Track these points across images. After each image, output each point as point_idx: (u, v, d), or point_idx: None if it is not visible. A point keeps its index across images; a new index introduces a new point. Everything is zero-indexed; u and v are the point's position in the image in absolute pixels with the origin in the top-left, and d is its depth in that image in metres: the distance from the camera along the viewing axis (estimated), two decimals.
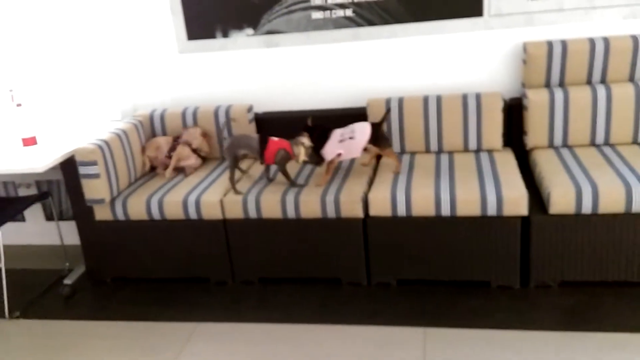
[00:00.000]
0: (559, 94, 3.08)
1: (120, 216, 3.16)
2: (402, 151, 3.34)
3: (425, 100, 3.24)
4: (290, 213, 2.96)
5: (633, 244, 2.68)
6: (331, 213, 2.91)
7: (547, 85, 3.18)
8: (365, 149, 3.03)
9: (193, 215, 3.07)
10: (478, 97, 3.18)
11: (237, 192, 3.05)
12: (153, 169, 3.49)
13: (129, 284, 3.31)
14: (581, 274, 2.78)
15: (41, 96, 3.82)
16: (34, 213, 3.92)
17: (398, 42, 3.40)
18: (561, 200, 2.68)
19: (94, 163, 3.03)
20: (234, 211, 3.03)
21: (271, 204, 2.96)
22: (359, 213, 2.90)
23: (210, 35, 3.57)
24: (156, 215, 3.11)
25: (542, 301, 2.77)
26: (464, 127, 3.21)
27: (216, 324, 2.88)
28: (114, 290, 3.28)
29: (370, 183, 3.06)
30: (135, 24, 3.62)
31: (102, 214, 3.19)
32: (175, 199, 3.07)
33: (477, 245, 2.83)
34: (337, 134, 3.03)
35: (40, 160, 3.04)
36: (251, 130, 3.49)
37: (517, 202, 2.72)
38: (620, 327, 2.55)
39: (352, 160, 3.33)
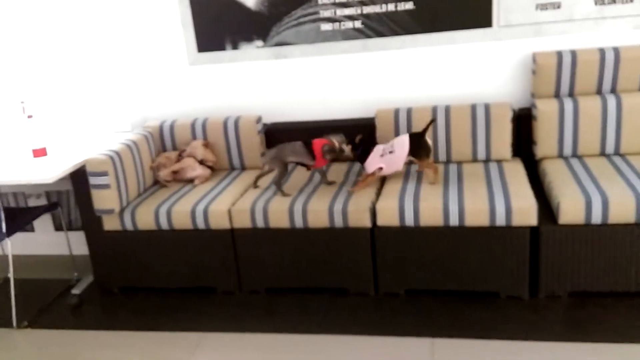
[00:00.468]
0: (568, 104, 3.07)
1: (129, 226, 3.17)
2: (411, 161, 3.32)
3: (434, 110, 3.24)
4: (298, 223, 2.95)
5: None
6: (339, 223, 2.90)
7: (557, 95, 3.17)
8: (411, 161, 3.07)
9: (201, 225, 3.08)
10: (487, 107, 3.17)
11: (284, 194, 3.08)
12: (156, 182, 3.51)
13: (136, 294, 3.31)
14: (591, 284, 2.74)
15: (52, 108, 3.86)
16: (43, 223, 3.94)
17: (407, 52, 3.41)
18: (571, 211, 2.66)
19: (104, 174, 3.05)
20: (242, 221, 3.03)
21: (279, 213, 2.96)
22: (367, 223, 2.88)
23: (220, 47, 3.60)
24: (164, 225, 3.12)
25: (551, 312, 2.73)
26: (472, 137, 3.20)
27: (223, 333, 2.87)
28: (121, 300, 3.29)
29: (378, 193, 3.05)
30: (147, 37, 3.66)
31: (110, 224, 3.20)
32: (184, 209, 3.08)
33: (485, 255, 2.80)
34: (379, 148, 3.06)
35: (50, 171, 3.06)
36: (260, 141, 3.50)
37: (526, 212, 2.69)
38: (630, 338, 2.50)
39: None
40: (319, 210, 2.91)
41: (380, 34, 3.39)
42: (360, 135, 3.12)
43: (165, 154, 3.49)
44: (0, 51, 3.78)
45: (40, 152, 3.36)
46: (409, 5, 3.31)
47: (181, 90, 3.74)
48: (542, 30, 3.22)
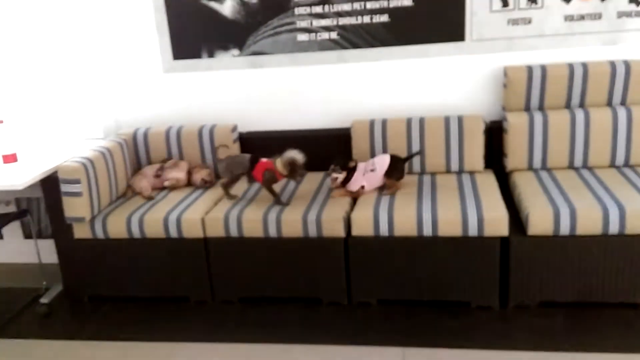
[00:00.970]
0: (538, 118, 3.13)
1: (100, 234, 3.14)
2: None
3: (409, 122, 3.27)
4: (272, 232, 2.95)
5: (610, 265, 2.71)
6: (313, 232, 2.91)
7: (527, 108, 3.24)
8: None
9: (174, 233, 3.06)
10: (460, 119, 3.22)
11: (230, 197, 3.13)
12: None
13: (106, 303, 3.27)
14: (559, 294, 2.80)
15: (23, 113, 3.80)
16: (12, 231, 3.87)
17: (382, 64, 3.45)
18: (540, 222, 2.71)
19: (77, 181, 3.01)
20: (215, 230, 3.02)
21: (253, 222, 2.96)
22: (341, 233, 2.90)
23: (196, 55, 3.60)
24: (136, 233, 3.09)
25: (521, 321, 2.78)
26: (446, 149, 3.24)
27: (196, 343, 2.85)
28: (91, 309, 3.24)
29: (353, 203, 3.07)
30: (121, 43, 3.64)
31: (81, 232, 3.16)
32: (156, 217, 3.06)
33: (457, 265, 2.84)
34: (361, 167, 3.11)
35: (20, 177, 3.02)
36: (235, 150, 3.49)
37: (497, 223, 2.74)
38: (598, 347, 2.56)
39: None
40: (292, 220, 2.92)
41: (356, 46, 3.42)
42: (355, 161, 3.14)
43: (139, 174, 3.47)
44: None
45: (10, 158, 3.31)
46: (384, 18, 3.35)
47: (156, 98, 3.72)
48: (513, 44, 3.29)
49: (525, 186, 2.98)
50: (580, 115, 3.10)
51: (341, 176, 3.08)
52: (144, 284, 3.19)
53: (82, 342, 2.95)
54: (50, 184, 3.14)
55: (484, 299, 2.87)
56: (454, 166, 3.27)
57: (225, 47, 3.56)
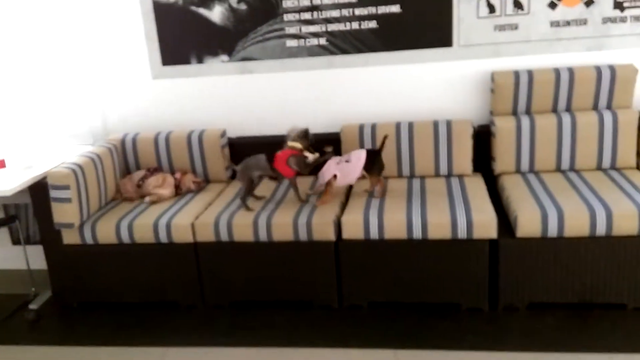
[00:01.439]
0: (525, 122, 3.17)
1: (89, 240, 3.12)
2: (363, 175, 3.36)
3: (398, 126, 3.30)
4: (262, 236, 2.95)
5: (597, 266, 2.74)
6: (303, 236, 2.92)
7: (514, 113, 3.27)
8: (363, 176, 3.07)
9: (164, 238, 3.05)
10: (449, 124, 3.25)
11: (248, 209, 3.06)
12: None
13: (96, 309, 3.25)
14: (548, 296, 2.82)
15: (11, 119, 3.79)
16: (0, 237, 3.84)
17: (371, 70, 3.47)
18: (528, 224, 2.74)
19: (66, 187, 3.00)
20: (206, 234, 3.01)
21: (243, 227, 2.96)
22: (331, 236, 2.91)
23: (185, 61, 3.60)
24: (126, 239, 3.08)
25: (510, 323, 2.80)
26: (435, 153, 3.27)
27: (186, 348, 2.84)
28: (81, 315, 3.22)
29: (343, 207, 3.09)
30: (110, 49, 3.64)
31: (70, 238, 3.14)
32: (146, 223, 3.05)
33: (447, 268, 2.85)
34: (335, 158, 3.08)
35: (9, 183, 3.00)
36: (224, 155, 3.50)
37: (486, 225, 2.76)
38: (587, 348, 2.58)
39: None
40: (283, 224, 2.92)
41: (344, 51, 3.45)
42: (332, 147, 3.09)
43: (127, 179, 3.46)
44: None
45: None
46: (373, 24, 3.38)
47: (145, 104, 3.72)
48: (500, 50, 3.33)
49: (514, 189, 3.01)
50: (567, 119, 3.14)
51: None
52: (133, 290, 3.18)
53: (72, 348, 2.93)
54: (39, 190, 3.12)
55: (474, 301, 2.89)
56: (443, 170, 3.29)
57: (214, 53, 3.57)
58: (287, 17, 3.43)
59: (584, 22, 3.22)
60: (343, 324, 2.91)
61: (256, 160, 3.12)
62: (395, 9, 3.33)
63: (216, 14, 3.49)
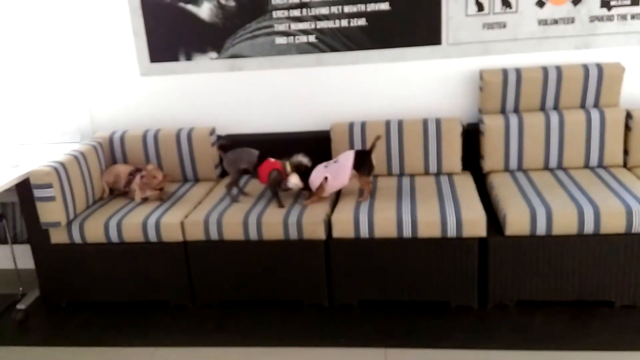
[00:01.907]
0: (513, 120, 3.19)
1: (77, 239, 3.10)
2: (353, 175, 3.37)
3: (388, 124, 3.30)
4: (253, 235, 2.95)
5: (585, 264, 2.76)
6: (293, 235, 2.92)
7: (503, 111, 3.29)
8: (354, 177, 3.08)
9: (153, 237, 3.03)
10: (438, 122, 3.26)
11: (232, 197, 3.14)
12: (112, 192, 3.43)
13: (85, 309, 3.23)
14: (537, 293, 2.84)
15: None
16: None
17: (360, 67, 3.47)
18: (516, 222, 2.75)
19: (49, 185, 2.97)
20: (195, 233, 3.00)
21: (233, 225, 2.95)
22: (321, 235, 2.91)
23: (174, 58, 3.58)
24: (114, 238, 3.06)
25: (500, 321, 2.82)
26: (424, 151, 3.28)
27: (175, 348, 2.83)
28: (69, 315, 3.20)
29: (333, 205, 3.09)
30: (97, 45, 3.60)
31: (58, 237, 3.12)
32: (135, 221, 3.03)
33: (436, 266, 2.87)
34: (322, 164, 3.09)
35: None
36: (213, 153, 3.48)
37: (476, 224, 2.78)
38: (574, 345, 2.61)
39: None
40: (273, 223, 2.92)
41: (334, 49, 3.44)
42: (307, 164, 3.11)
43: (113, 170, 3.39)
44: None
45: None
46: (362, 22, 3.38)
47: (133, 101, 3.69)
48: (489, 48, 3.34)
49: (502, 187, 3.03)
50: (554, 117, 3.16)
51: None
52: (122, 289, 3.16)
53: (60, 348, 2.91)
54: (25, 189, 3.09)
55: (463, 299, 2.91)
56: (433, 168, 3.30)
57: (203, 50, 3.55)
58: (276, 14, 3.42)
59: (571, 20, 3.24)
60: (333, 323, 2.91)
61: (248, 154, 3.13)
62: (384, 6, 3.33)
63: (205, 10, 3.46)
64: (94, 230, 3.07)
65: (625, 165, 3.21)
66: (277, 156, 3.13)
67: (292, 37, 3.45)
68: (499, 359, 2.56)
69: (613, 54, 3.27)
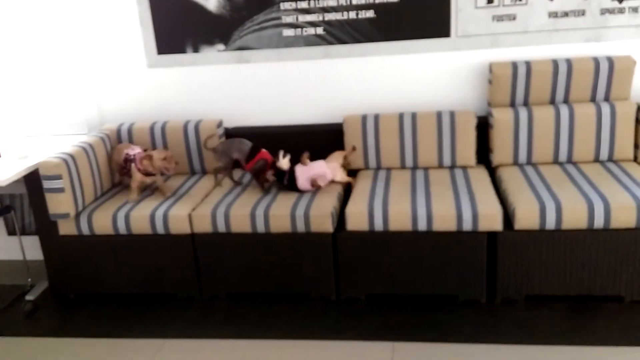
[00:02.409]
0: (523, 113, 3.16)
1: (85, 231, 3.11)
2: (378, 167, 3.37)
3: (401, 117, 3.28)
4: (260, 227, 2.95)
5: (595, 259, 2.75)
6: (301, 228, 2.92)
7: (512, 104, 3.27)
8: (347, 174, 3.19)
9: (160, 229, 3.04)
10: (452, 114, 3.24)
11: (217, 183, 3.23)
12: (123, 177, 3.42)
13: (93, 300, 3.24)
14: (545, 288, 2.83)
15: (6, 109, 3.75)
16: None
17: (368, 60, 3.45)
18: (526, 216, 2.74)
19: (58, 177, 2.97)
20: (203, 225, 3.00)
21: (240, 218, 2.95)
22: (329, 228, 2.90)
23: (181, 49, 3.57)
24: (122, 230, 3.07)
25: (508, 315, 2.81)
26: (438, 144, 3.26)
27: (183, 340, 2.84)
28: (77, 306, 3.21)
29: (341, 199, 3.08)
30: (104, 37, 3.59)
31: (66, 228, 3.13)
32: (143, 213, 3.04)
33: (445, 259, 2.86)
34: (297, 169, 3.12)
35: (3, 173, 2.97)
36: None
37: (492, 217, 2.76)
38: (582, 340, 2.60)
39: None
40: (281, 215, 2.92)
41: (341, 41, 3.42)
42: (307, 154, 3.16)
43: (119, 149, 3.37)
44: None
45: None
46: (370, 14, 3.36)
47: (140, 93, 3.68)
48: (498, 41, 3.31)
49: (511, 181, 3.01)
50: (564, 110, 3.13)
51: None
52: (130, 281, 3.17)
53: (69, 339, 2.92)
54: (34, 181, 3.10)
55: (472, 293, 2.90)
56: (447, 161, 3.28)
57: (210, 42, 3.54)
58: (284, 5, 3.40)
59: (582, 13, 3.21)
60: (341, 316, 2.92)
61: (239, 144, 3.16)
62: None
63: (212, 2, 3.45)
64: (102, 222, 3.07)
65: (635, 159, 3.19)
66: (285, 148, 3.16)
67: (299, 29, 3.44)
68: (506, 354, 2.55)
69: (624, 47, 3.24)
